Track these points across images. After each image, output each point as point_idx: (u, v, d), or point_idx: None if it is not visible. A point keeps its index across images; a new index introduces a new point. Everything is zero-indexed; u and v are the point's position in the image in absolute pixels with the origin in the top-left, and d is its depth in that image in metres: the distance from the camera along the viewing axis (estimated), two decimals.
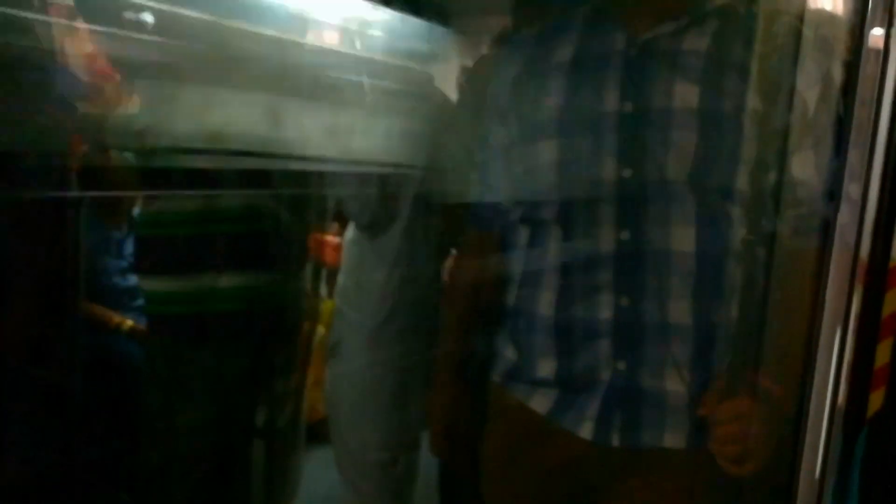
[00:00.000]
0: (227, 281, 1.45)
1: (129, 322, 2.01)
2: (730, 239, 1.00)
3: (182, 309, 1.47)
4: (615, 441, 1.03)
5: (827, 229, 0.94)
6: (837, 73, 0.95)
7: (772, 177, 0.99)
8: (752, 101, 0.97)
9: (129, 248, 2.07)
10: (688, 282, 1.00)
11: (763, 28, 0.97)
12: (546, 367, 1.07)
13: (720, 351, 1.01)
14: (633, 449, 1.03)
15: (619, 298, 1.01)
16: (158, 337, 1.54)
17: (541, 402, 1.08)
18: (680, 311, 1.00)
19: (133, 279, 2.02)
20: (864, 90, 0.88)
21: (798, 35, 0.96)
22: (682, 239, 0.99)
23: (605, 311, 1.02)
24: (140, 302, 1.98)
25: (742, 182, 0.98)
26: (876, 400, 1.14)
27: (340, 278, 1.85)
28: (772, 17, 0.96)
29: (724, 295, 1.00)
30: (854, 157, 0.88)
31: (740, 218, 0.99)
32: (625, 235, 1.00)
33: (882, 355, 1.12)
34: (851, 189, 0.90)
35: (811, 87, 0.96)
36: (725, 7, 1.01)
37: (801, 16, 0.96)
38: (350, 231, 1.84)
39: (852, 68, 0.88)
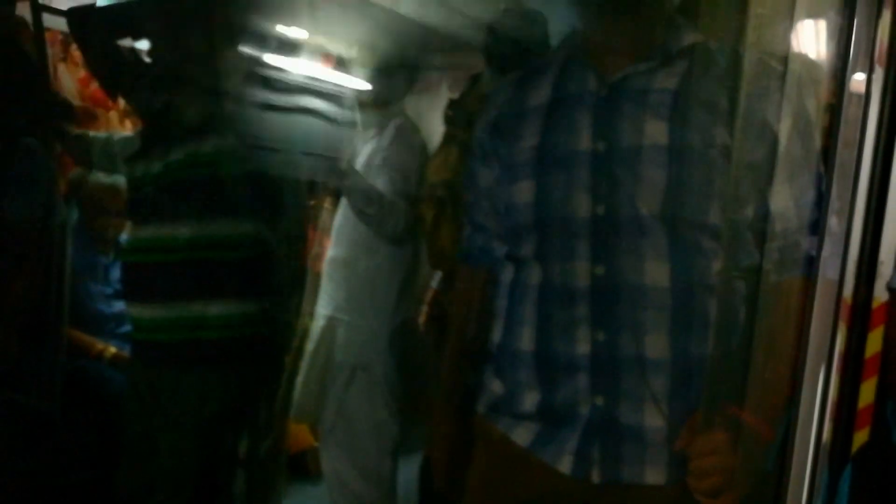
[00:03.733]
0: (214, 309, 1.44)
1: (112, 349, 2.00)
2: (705, 273, 1.02)
3: (168, 336, 1.46)
4: (595, 476, 1.03)
5: (808, 266, 0.95)
6: (810, 107, 0.98)
7: (745, 211, 1.00)
8: (723, 138, 0.99)
9: (115, 274, 2.06)
10: (663, 316, 1.01)
11: (733, 66, 0.99)
12: (528, 401, 1.08)
13: (698, 385, 1.01)
14: (612, 484, 1.02)
15: (596, 333, 1.02)
16: (143, 364, 1.52)
17: (522, 435, 1.09)
18: (656, 345, 1.01)
19: (118, 306, 2.01)
20: (846, 132, 0.89)
21: (768, 71, 0.98)
22: (656, 274, 1.01)
23: (582, 346, 1.03)
24: (124, 329, 1.96)
25: (715, 217, 1.00)
26: (860, 439, 1.15)
27: (346, 291, 1.88)
28: (741, 55, 0.99)
29: (701, 329, 1.02)
30: (836, 196, 0.90)
31: (715, 252, 1.01)
32: (600, 271, 1.02)
33: (866, 394, 1.13)
34: (834, 229, 0.91)
35: (782, 121, 0.99)
36: (694, 47, 1.04)
37: (770, 52, 0.99)
38: (344, 247, 1.87)
39: (835, 109, 0.90)
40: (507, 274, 1.13)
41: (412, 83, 1.95)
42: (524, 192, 1.07)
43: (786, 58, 0.96)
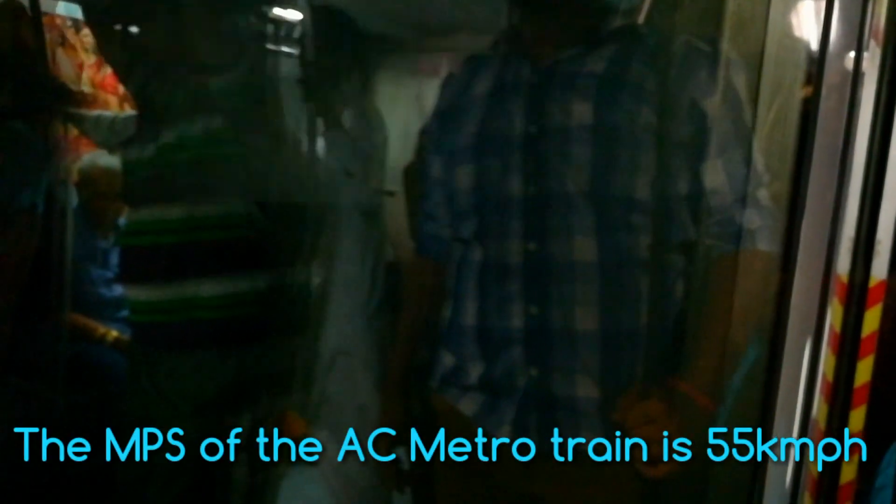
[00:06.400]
0: (209, 289, 1.45)
1: (114, 332, 2.01)
2: (633, 248, 1.06)
3: (165, 318, 1.47)
4: (532, 445, 1.06)
5: (746, 240, 0.96)
6: (738, 81, 1.01)
7: (676, 186, 1.04)
8: (648, 116, 1.03)
9: (115, 257, 2.07)
10: (592, 290, 1.05)
11: (658, 46, 1.03)
12: (472, 374, 1.14)
13: (631, 357, 1.05)
14: (549, 453, 1.06)
15: (529, 307, 1.07)
16: (141, 346, 1.54)
17: (468, 406, 1.14)
18: (587, 319, 1.05)
19: (118, 289, 2.02)
20: (834, 110, 0.89)
21: (692, 49, 1.03)
22: (584, 249, 1.05)
23: (516, 320, 1.08)
24: (125, 312, 1.97)
25: (642, 193, 1.04)
26: (857, 417, 1.15)
27: (340, 268, 1.88)
28: (666, 35, 1.00)
29: (632, 302, 1.06)
30: (820, 173, 0.89)
31: (645, 228, 1.05)
32: (532, 247, 1.07)
33: (863, 373, 1.13)
34: (817, 205, 0.91)
35: (708, 97, 1.03)
36: (620, 31, 1.11)
37: (692, 29, 1.02)
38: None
39: (816, 85, 0.90)
40: (456, 254, 1.18)
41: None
42: (464, 176, 1.14)
43: (698, 30, 0.98)
